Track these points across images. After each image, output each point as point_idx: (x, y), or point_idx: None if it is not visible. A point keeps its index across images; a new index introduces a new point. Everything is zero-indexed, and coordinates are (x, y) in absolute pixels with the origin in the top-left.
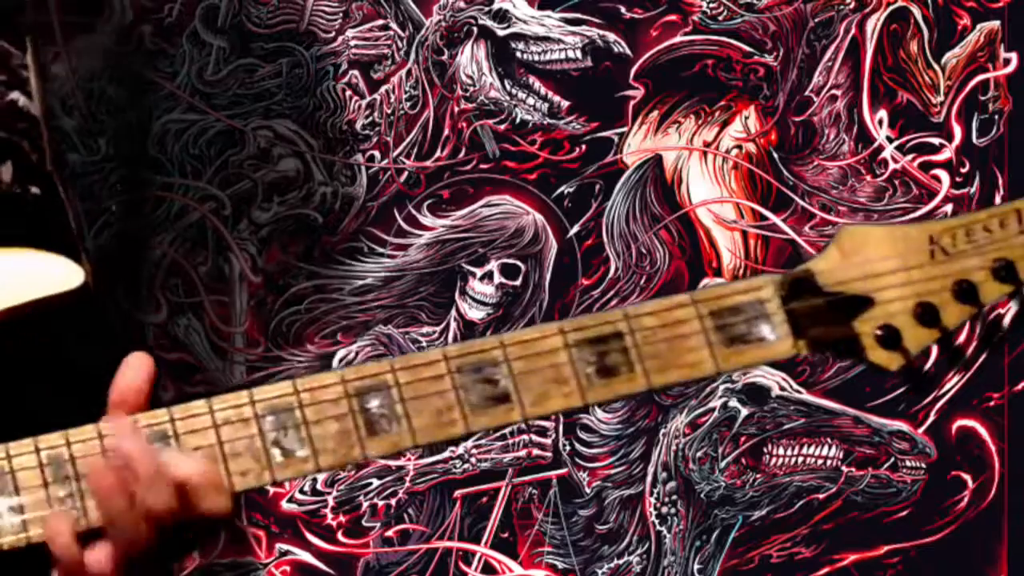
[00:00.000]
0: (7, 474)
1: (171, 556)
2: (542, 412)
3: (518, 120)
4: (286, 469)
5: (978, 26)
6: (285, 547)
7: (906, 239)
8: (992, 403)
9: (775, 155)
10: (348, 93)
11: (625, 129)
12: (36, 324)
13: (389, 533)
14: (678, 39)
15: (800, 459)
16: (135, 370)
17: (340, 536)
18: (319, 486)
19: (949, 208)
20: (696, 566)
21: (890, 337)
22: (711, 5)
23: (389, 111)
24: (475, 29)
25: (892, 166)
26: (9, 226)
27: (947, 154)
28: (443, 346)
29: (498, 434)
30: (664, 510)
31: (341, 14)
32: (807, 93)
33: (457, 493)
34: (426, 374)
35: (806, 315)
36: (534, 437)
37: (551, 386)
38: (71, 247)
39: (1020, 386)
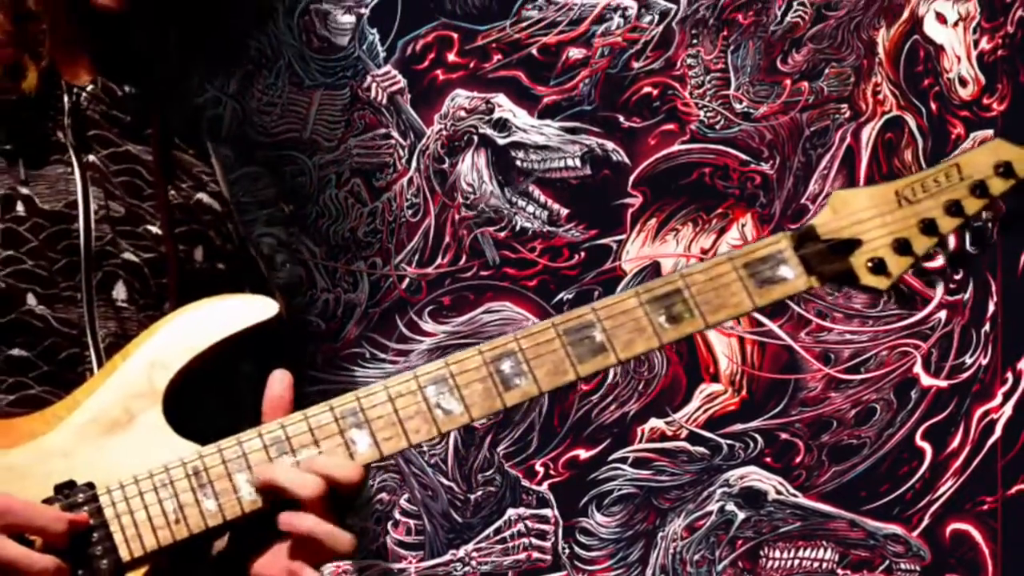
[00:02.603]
0: (241, 457)
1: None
2: (631, 355)
3: (518, 228)
4: (448, 423)
5: (972, 135)
6: None
7: (879, 195)
8: (986, 507)
9: None
10: (350, 201)
11: (624, 236)
12: (251, 340)
13: None
14: (676, 148)
15: (796, 562)
16: (279, 382)
17: None
18: None
19: (943, 314)
20: None
21: (877, 266)
22: (708, 114)
23: (391, 218)
24: (476, 138)
25: None
26: (204, 293)
27: (941, 261)
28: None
29: (498, 537)
30: None
31: (343, 123)
32: (803, 201)
33: None
34: (541, 339)
35: (814, 257)
36: (534, 540)
37: (634, 335)
38: (265, 290)
39: (1013, 490)
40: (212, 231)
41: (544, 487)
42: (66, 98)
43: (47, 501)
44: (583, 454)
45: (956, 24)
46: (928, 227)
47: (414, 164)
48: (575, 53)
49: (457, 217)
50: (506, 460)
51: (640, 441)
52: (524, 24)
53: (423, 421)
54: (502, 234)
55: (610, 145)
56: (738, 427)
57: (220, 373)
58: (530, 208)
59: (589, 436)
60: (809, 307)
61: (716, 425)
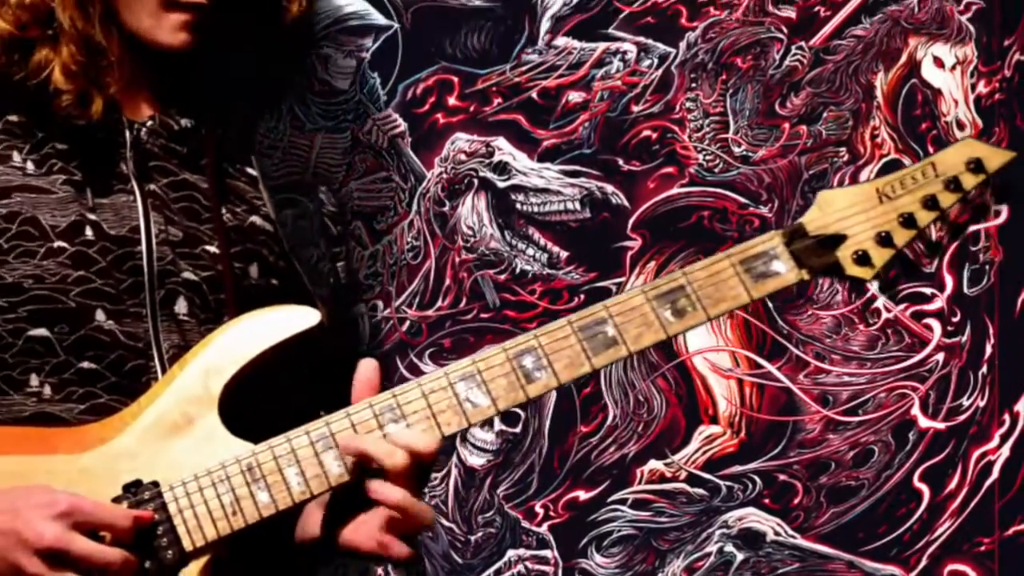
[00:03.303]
0: (291, 453)
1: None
2: (640, 347)
3: (518, 270)
4: (476, 415)
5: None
6: None
7: (862, 192)
8: (983, 548)
9: (770, 305)
10: (351, 243)
11: (623, 279)
12: (297, 346)
13: None
14: (675, 191)
15: None
16: (367, 369)
17: None
18: None
19: (941, 357)
20: None
21: (861, 257)
22: (707, 158)
23: (391, 261)
24: (476, 181)
25: (885, 315)
26: (258, 306)
27: (939, 304)
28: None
29: None
30: None
31: (345, 166)
32: None
33: None
34: (559, 335)
35: (803, 252)
36: None
37: (643, 328)
38: (309, 301)
39: (1011, 531)
40: (265, 249)
41: (544, 528)
42: (128, 133)
43: (117, 499)
44: (583, 495)
45: (954, 68)
46: (907, 221)
47: (415, 207)
48: (575, 97)
49: (457, 260)
50: (506, 501)
51: (639, 483)
52: (524, 68)
53: (454, 414)
54: (502, 277)
55: (609, 188)
56: (737, 469)
57: (270, 377)
58: (530, 251)
59: (589, 477)
60: (807, 349)
61: (715, 467)
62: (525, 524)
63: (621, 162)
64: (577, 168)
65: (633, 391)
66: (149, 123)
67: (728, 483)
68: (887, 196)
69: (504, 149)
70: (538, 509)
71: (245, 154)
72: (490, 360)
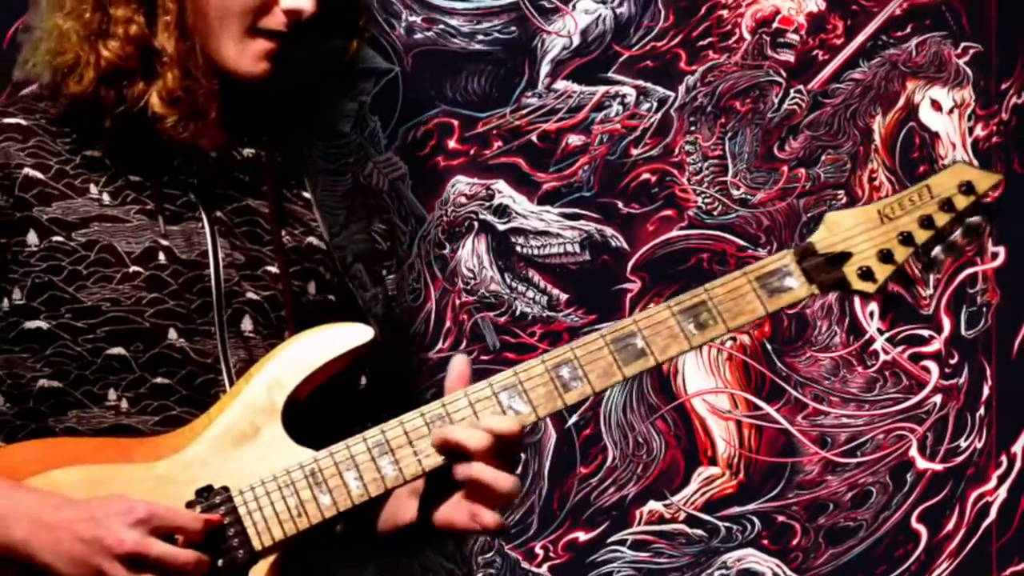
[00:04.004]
0: (350, 459)
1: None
2: (667, 357)
3: (518, 312)
4: (518, 422)
5: (966, 221)
6: None
7: (865, 214)
8: None
9: (769, 347)
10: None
11: None
12: (353, 359)
13: None
14: (674, 233)
15: None
16: (459, 364)
17: None
18: None
19: (938, 398)
20: None
21: (865, 273)
22: (706, 200)
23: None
24: (476, 223)
25: (883, 357)
26: (317, 321)
27: (936, 346)
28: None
29: None
30: None
31: (346, 209)
32: None
33: None
34: (592, 348)
35: (813, 269)
36: None
37: (669, 340)
38: (363, 318)
39: (1008, 572)
40: (321, 267)
41: (544, 569)
42: (195, 165)
43: (190, 504)
44: (582, 536)
45: (951, 111)
46: (906, 239)
47: (415, 250)
48: (574, 140)
49: (458, 302)
50: (506, 542)
51: (639, 523)
52: (524, 111)
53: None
54: (502, 319)
55: (609, 231)
56: (736, 509)
57: (329, 388)
58: (530, 293)
59: (588, 518)
60: (806, 391)
61: (714, 508)
62: (525, 565)
63: (620, 205)
64: (577, 211)
65: (632, 433)
66: (214, 154)
67: (727, 524)
68: (888, 217)
69: (504, 192)
70: (538, 550)
71: (300, 179)
72: (530, 371)
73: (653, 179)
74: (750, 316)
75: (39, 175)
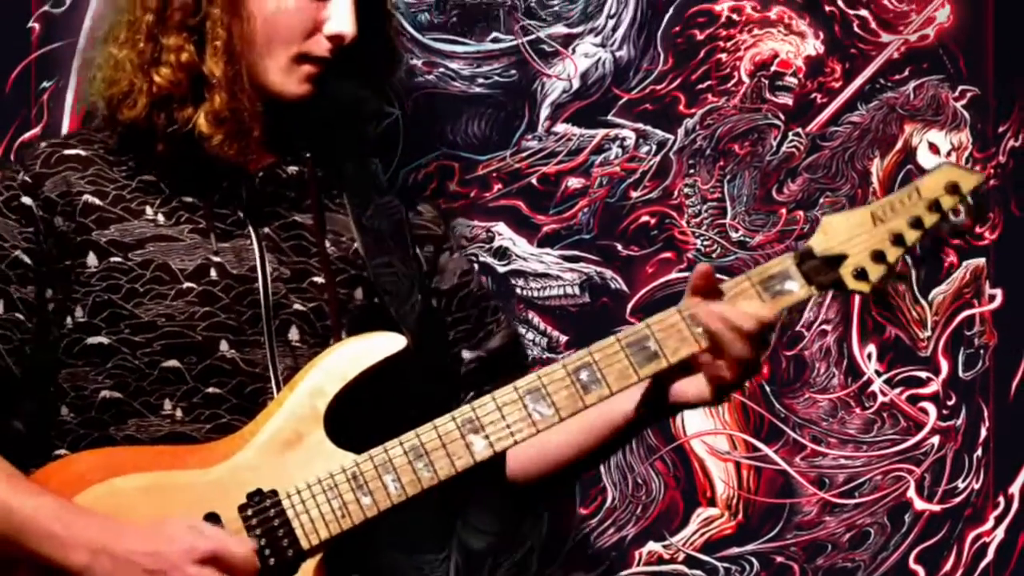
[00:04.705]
0: (388, 462)
1: None
2: (678, 358)
3: None
4: (544, 423)
5: (964, 263)
6: None
7: (859, 217)
8: None
9: (767, 388)
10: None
11: None
12: (392, 366)
13: None
14: (673, 275)
15: None
16: (699, 276)
17: None
18: None
19: (936, 440)
20: None
21: (859, 273)
22: (705, 243)
23: None
24: (476, 266)
25: (881, 399)
26: (370, 325)
27: (934, 387)
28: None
29: None
30: None
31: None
32: (798, 328)
33: None
34: (609, 351)
35: (812, 271)
36: None
37: (680, 343)
38: (397, 327)
39: None
40: (366, 272)
41: None
42: (243, 185)
43: (242, 507)
44: None
45: (949, 154)
46: (897, 240)
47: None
48: (574, 182)
49: None
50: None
51: (638, 564)
52: (524, 154)
53: (525, 424)
54: None
55: (608, 273)
56: (734, 550)
57: (368, 394)
58: (530, 335)
59: (587, 559)
60: (804, 432)
61: (713, 548)
62: None
63: (620, 247)
64: (576, 253)
65: (632, 474)
66: (261, 174)
67: (726, 565)
68: (880, 219)
69: (504, 234)
70: None
71: (340, 189)
72: (552, 375)
73: (652, 221)
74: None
75: (98, 201)
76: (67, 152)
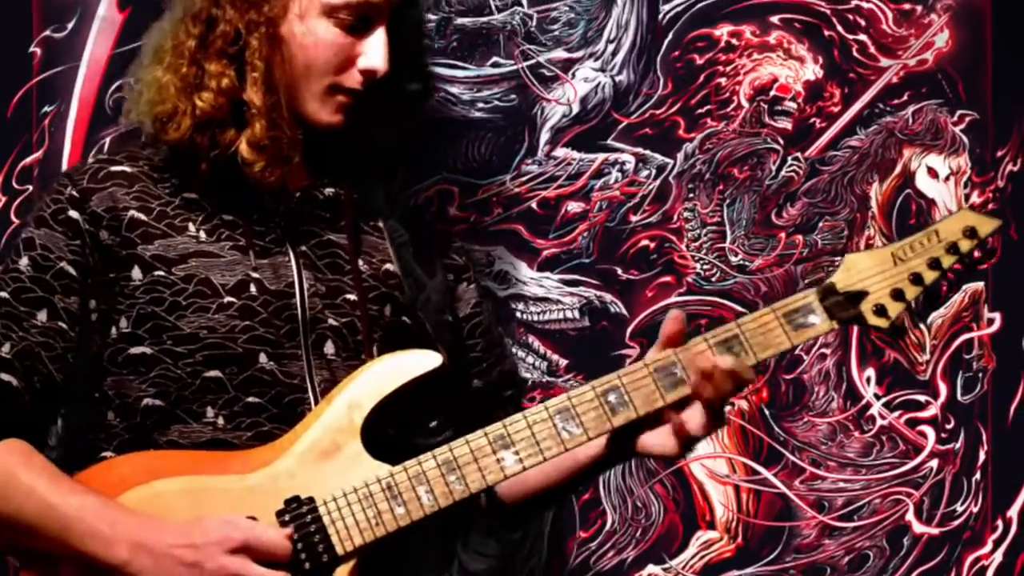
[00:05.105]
0: (421, 474)
1: None
2: None
3: None
4: (572, 442)
5: (963, 287)
6: None
7: (880, 256)
8: None
9: (766, 412)
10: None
11: None
12: (424, 383)
13: None
14: (673, 299)
15: None
16: (676, 320)
17: None
18: None
19: (935, 463)
20: None
21: (879, 310)
22: (704, 267)
23: None
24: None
25: (879, 422)
26: (398, 342)
27: (933, 411)
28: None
29: None
30: None
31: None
32: (797, 352)
33: None
34: (637, 376)
35: (834, 306)
36: None
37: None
38: (432, 344)
39: None
40: (396, 292)
41: None
42: (282, 204)
43: (280, 512)
44: None
45: (947, 179)
46: (916, 279)
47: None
48: (574, 207)
49: None
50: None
51: None
52: (524, 178)
53: (554, 442)
54: None
55: (608, 297)
56: (734, 574)
57: (403, 408)
58: (530, 359)
59: None
60: (803, 456)
61: (712, 572)
62: None
63: (619, 271)
64: (576, 277)
65: (631, 497)
66: (299, 195)
67: None
68: (900, 259)
69: (504, 258)
70: None
71: (374, 212)
72: (582, 396)
73: (652, 245)
74: (777, 348)
75: (143, 216)
76: (114, 168)
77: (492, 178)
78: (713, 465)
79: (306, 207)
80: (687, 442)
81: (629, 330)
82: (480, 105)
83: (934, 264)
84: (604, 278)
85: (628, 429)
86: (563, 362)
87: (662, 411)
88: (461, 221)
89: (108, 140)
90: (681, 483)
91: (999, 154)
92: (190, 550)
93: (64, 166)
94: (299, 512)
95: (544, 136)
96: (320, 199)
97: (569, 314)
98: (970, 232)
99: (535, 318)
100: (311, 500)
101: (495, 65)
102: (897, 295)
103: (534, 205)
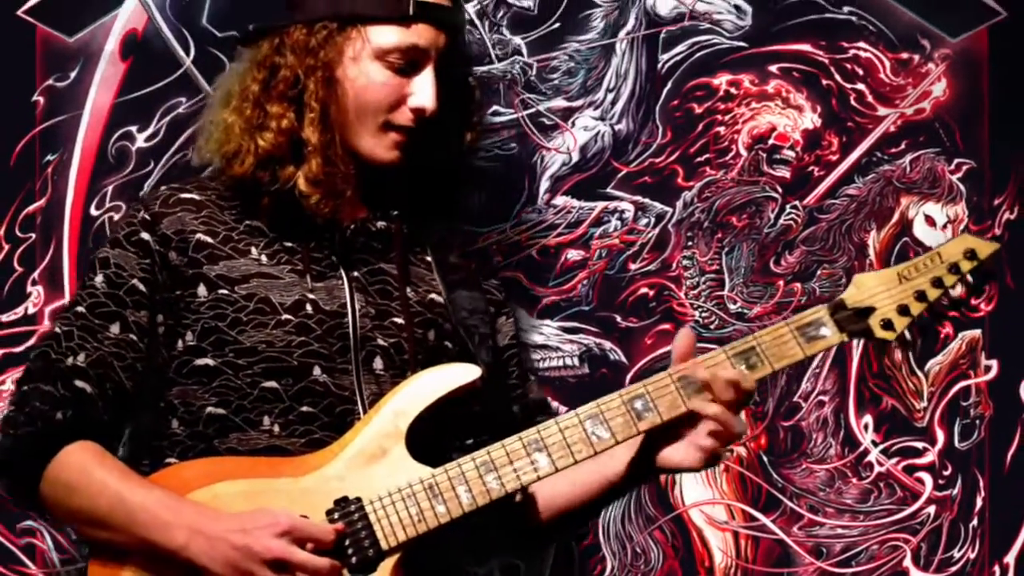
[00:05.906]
0: (460, 475)
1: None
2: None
3: None
4: (601, 445)
5: (960, 335)
6: None
7: (887, 275)
8: None
9: (765, 458)
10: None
11: None
12: (464, 393)
13: None
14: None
15: None
16: (684, 338)
17: None
18: None
19: (932, 509)
20: None
21: (886, 324)
22: (703, 314)
23: None
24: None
25: (877, 469)
26: (440, 361)
27: (930, 457)
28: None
29: None
30: None
31: (463, 270)
32: (795, 399)
33: None
34: (661, 385)
35: (844, 320)
36: None
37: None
38: (473, 360)
39: None
40: (440, 319)
41: None
42: (337, 234)
43: (330, 511)
44: None
45: (945, 227)
46: (920, 296)
47: None
48: (573, 255)
49: None
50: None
51: None
52: (524, 226)
53: (584, 445)
54: None
55: (607, 344)
56: None
57: (445, 416)
58: None
59: None
60: (801, 502)
61: None
62: None
63: (619, 319)
64: (576, 325)
65: (631, 543)
66: (354, 226)
67: None
68: (905, 278)
69: None
70: None
71: (423, 245)
72: (609, 404)
73: (651, 293)
74: (791, 359)
75: (209, 239)
76: (183, 196)
77: (492, 226)
78: (712, 511)
79: (360, 237)
80: (711, 457)
81: (628, 377)
82: (480, 153)
83: (937, 282)
84: (603, 326)
85: (649, 446)
86: (563, 409)
87: (681, 428)
88: (461, 269)
89: (111, 187)
90: (680, 529)
91: (996, 202)
92: (240, 534)
93: (67, 215)
94: (347, 511)
95: (544, 184)
96: (372, 231)
97: (568, 361)
98: (970, 254)
99: (535, 365)
100: (358, 500)
101: (495, 114)
102: (903, 310)
103: (534, 253)
